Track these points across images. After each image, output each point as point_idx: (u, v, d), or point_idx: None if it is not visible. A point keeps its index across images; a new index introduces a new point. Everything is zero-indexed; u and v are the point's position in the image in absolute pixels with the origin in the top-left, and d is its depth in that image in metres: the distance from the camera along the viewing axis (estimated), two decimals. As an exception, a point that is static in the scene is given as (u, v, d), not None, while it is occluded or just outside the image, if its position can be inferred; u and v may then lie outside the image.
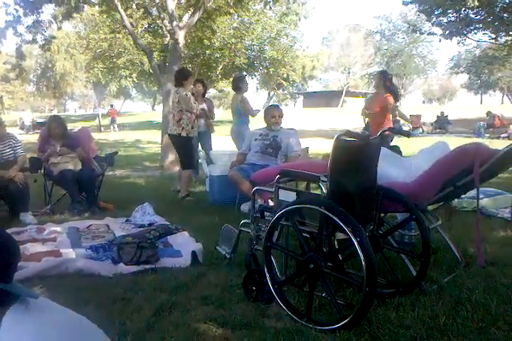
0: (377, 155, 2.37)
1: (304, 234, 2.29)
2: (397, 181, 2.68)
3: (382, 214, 2.64)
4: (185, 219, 4.26)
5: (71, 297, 2.47)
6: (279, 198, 2.48)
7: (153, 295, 2.50)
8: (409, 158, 3.16)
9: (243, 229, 2.77)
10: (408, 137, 3.43)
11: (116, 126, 26.30)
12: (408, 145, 4.65)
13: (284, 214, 2.27)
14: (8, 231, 3.82)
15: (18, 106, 49.52)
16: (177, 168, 8.45)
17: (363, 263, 1.90)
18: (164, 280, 2.72)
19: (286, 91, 44.43)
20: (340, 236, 2.56)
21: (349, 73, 51.78)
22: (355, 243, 1.93)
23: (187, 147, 5.54)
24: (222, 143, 8.38)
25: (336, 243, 2.60)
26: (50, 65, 39.77)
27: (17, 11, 8.68)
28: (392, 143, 4.86)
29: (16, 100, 49.44)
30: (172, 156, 8.64)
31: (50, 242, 3.61)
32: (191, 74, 5.95)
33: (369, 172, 2.35)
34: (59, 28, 10.34)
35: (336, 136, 2.21)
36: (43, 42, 9.91)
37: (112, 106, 30.92)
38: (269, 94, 45.41)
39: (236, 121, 6.41)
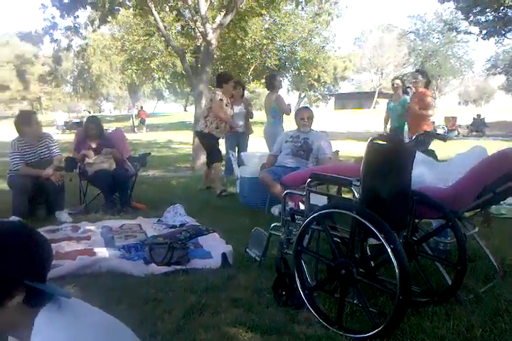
0: (411, 159, 2.32)
1: (335, 239, 2.26)
2: (432, 186, 2.60)
3: (416, 220, 2.57)
4: (215, 220, 4.28)
5: (104, 296, 2.52)
6: (311, 202, 2.46)
7: (184, 296, 2.52)
8: (445, 163, 3.08)
9: (273, 232, 2.75)
10: (444, 141, 3.34)
11: (145, 127, 26.80)
12: (443, 149, 4.53)
13: (315, 219, 2.24)
14: (44, 229, 3.97)
15: (55, 107, 51.09)
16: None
17: (397, 271, 1.85)
18: (195, 281, 2.73)
19: (317, 93, 44.19)
20: (372, 241, 2.51)
21: (382, 74, 51.08)
22: (389, 250, 1.89)
23: (211, 143, 5.86)
24: (255, 144, 8.38)
25: (367, 249, 2.55)
26: (86, 67, 40.86)
27: (53, 16, 8.94)
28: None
29: (53, 101, 51.02)
30: (203, 157, 8.69)
31: (84, 241, 3.69)
32: (233, 78, 6.10)
33: (403, 176, 2.30)
34: (94, 31, 10.58)
35: (368, 140, 2.17)
36: (78, 48, 10.19)
37: (141, 107, 31.53)
38: (300, 95, 45.27)
39: (270, 121, 6.40)
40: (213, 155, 5.91)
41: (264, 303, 2.42)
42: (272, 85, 6.31)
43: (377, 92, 45.84)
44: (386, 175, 2.20)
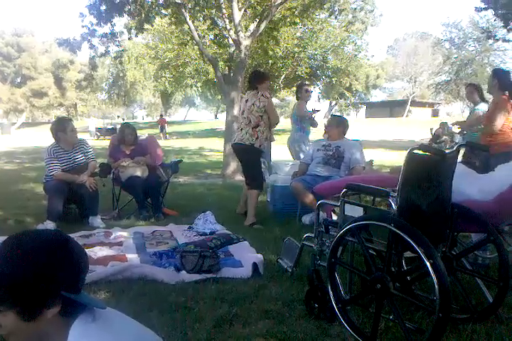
0: (452, 170, 2.24)
1: (371, 251, 2.20)
2: (473, 199, 2.51)
3: (455, 234, 2.48)
4: (245, 229, 4.27)
5: (135, 303, 2.53)
6: (345, 213, 2.40)
7: (215, 305, 2.50)
8: (487, 175, 2.97)
9: (306, 243, 2.71)
10: (487, 151, 3.22)
11: (163, 134, 27.48)
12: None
13: (350, 230, 2.19)
14: (78, 234, 4.04)
15: (90, 113, 52.44)
16: (238, 177, 8.55)
17: (436, 287, 1.78)
18: (225, 290, 2.71)
19: (348, 101, 43.84)
20: (408, 253, 2.43)
21: (415, 82, 50.32)
22: (428, 265, 1.81)
23: (257, 161, 4.82)
24: (281, 152, 8.33)
25: (404, 262, 2.47)
26: (121, 74, 41.86)
27: (92, 23, 9.19)
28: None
29: (88, 107, 52.41)
30: (234, 165, 8.74)
31: (117, 246, 3.74)
32: (268, 77, 5.17)
33: (443, 188, 2.22)
34: (129, 38, 10.83)
35: (409, 150, 2.11)
36: (115, 54, 10.44)
37: (161, 116, 32.84)
38: (330, 103, 45.01)
39: (293, 128, 6.42)
40: (258, 177, 4.80)
41: (296, 315, 2.37)
42: (297, 95, 6.43)
43: (409, 101, 45.12)
44: (425, 187, 2.13)
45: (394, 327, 2.14)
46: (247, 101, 4.75)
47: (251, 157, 4.75)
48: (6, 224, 4.51)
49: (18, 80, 49.35)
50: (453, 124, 5.86)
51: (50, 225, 4.23)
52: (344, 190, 2.39)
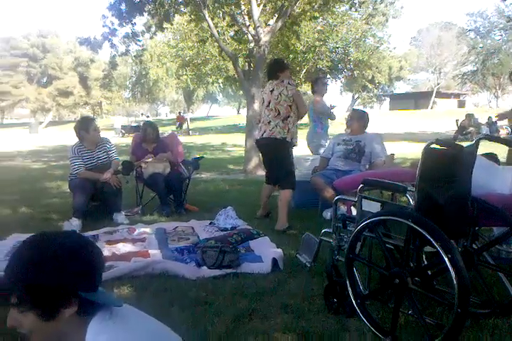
0: (471, 164, 2.20)
1: (389, 246, 2.19)
2: (494, 192, 2.46)
3: (476, 228, 2.44)
4: (266, 224, 4.29)
5: (157, 298, 2.59)
6: (363, 208, 2.39)
7: (234, 300, 2.53)
8: (508, 167, 2.91)
9: (324, 238, 2.71)
10: (510, 146, 3.15)
11: (186, 130, 28.36)
12: (506, 152, 4.27)
13: (368, 226, 2.18)
14: (102, 230, 4.13)
15: (115, 112, 53.26)
16: (260, 172, 8.57)
17: (455, 282, 1.76)
18: (245, 285, 2.74)
19: (371, 94, 43.30)
20: (429, 248, 2.41)
21: (440, 73, 49.33)
22: (446, 260, 1.80)
23: (290, 157, 4.41)
24: (301, 146, 8.29)
25: (424, 257, 2.45)
26: (144, 72, 42.29)
27: (113, 23, 9.30)
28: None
29: (113, 105, 53.18)
30: (255, 160, 8.76)
31: (140, 242, 3.81)
32: (289, 66, 4.81)
33: (462, 182, 2.19)
34: (151, 38, 10.94)
35: (425, 145, 2.09)
36: (135, 53, 10.55)
37: (179, 113, 34.67)
38: (353, 96, 44.55)
39: (311, 123, 6.35)
40: (292, 175, 4.38)
41: (315, 310, 2.38)
42: (313, 89, 6.22)
43: (434, 92, 44.25)
44: (443, 182, 2.10)
45: (414, 322, 2.13)
46: (272, 91, 4.34)
47: (283, 152, 4.35)
48: (33, 221, 4.65)
49: (44, 80, 50.53)
50: (497, 117, 5.40)
51: (75, 222, 4.33)
52: (361, 185, 2.38)
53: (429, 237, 1.88)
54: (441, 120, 25.48)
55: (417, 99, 43.86)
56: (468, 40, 43.64)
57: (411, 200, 2.13)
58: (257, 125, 4.69)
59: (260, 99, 4.49)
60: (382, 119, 24.75)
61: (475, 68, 43.16)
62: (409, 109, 37.10)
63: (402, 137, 17.59)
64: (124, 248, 3.62)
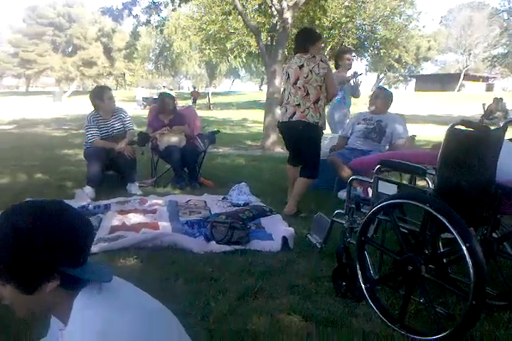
0: (498, 149, 2.07)
1: (403, 231, 2.09)
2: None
3: (498, 216, 2.31)
4: (279, 202, 4.20)
5: (163, 270, 2.56)
6: (379, 190, 2.28)
7: (240, 277, 2.48)
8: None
9: (336, 219, 2.62)
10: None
11: (195, 105, 27.81)
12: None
13: (382, 208, 2.08)
14: (115, 200, 4.11)
15: (138, 83, 53.20)
16: (277, 149, 8.46)
17: (472, 272, 1.66)
18: (253, 263, 2.69)
19: (397, 74, 42.21)
20: (447, 235, 2.30)
21: (469, 55, 47.68)
22: (464, 249, 1.69)
23: (320, 145, 3.99)
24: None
25: (440, 244, 2.35)
26: (167, 45, 41.93)
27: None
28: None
29: (136, 77, 53.08)
30: (274, 137, 8.65)
31: (151, 214, 3.78)
32: (321, 37, 4.20)
33: (487, 167, 2.06)
34: (173, 10, 10.71)
35: (450, 125, 1.96)
36: (156, 23, 10.38)
37: (194, 88, 35.91)
38: (378, 76, 43.52)
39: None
40: (317, 164, 3.96)
41: (322, 292, 2.32)
42: (336, 63, 5.64)
43: (462, 74, 42.85)
44: (467, 165, 1.98)
45: (424, 311, 2.05)
46: (301, 67, 3.78)
47: (315, 139, 3.90)
48: (48, 187, 4.67)
49: (69, 50, 50.50)
50: None
51: (88, 190, 4.33)
52: (378, 166, 2.26)
53: (447, 224, 1.77)
54: (468, 103, 24.75)
55: (444, 81, 42.55)
56: (501, 22, 41.83)
57: (430, 184, 2.01)
58: (279, 104, 4.22)
59: (284, 74, 4.03)
60: (406, 100, 24.13)
61: (506, 51, 41.52)
62: (436, 90, 36.09)
63: (426, 119, 17.17)
64: (134, 218, 3.59)
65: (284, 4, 8.32)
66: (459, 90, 40.15)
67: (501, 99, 17.75)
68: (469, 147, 1.96)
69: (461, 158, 1.95)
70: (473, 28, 45.32)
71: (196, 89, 34.47)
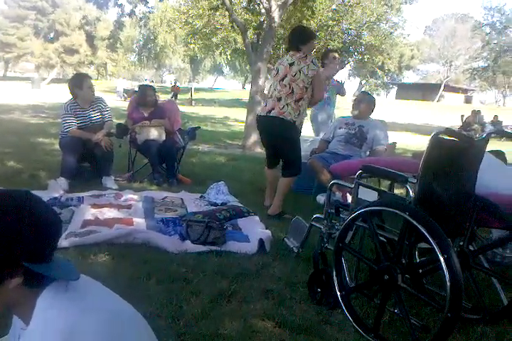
0: (479, 160, 2.07)
1: (381, 239, 2.07)
2: (500, 193, 2.34)
3: (475, 228, 2.32)
4: (257, 203, 4.16)
5: (134, 269, 2.48)
6: (359, 196, 2.26)
7: (214, 279, 2.43)
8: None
9: (314, 223, 2.59)
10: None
11: (176, 100, 27.49)
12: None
13: (362, 215, 2.06)
14: (89, 193, 4.01)
15: (120, 74, 52.38)
16: (258, 149, 8.41)
17: (448, 284, 1.65)
18: (227, 265, 2.64)
19: (379, 81, 42.66)
20: (422, 244, 2.30)
21: (451, 66, 48.62)
22: (442, 260, 1.68)
23: (299, 143, 3.93)
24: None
25: (417, 253, 2.34)
26: (152, 37, 41.39)
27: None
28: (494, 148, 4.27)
29: (118, 68, 52.25)
30: (255, 136, 8.59)
31: (125, 209, 3.69)
32: (315, 37, 4.14)
33: (467, 178, 2.06)
34: (161, 0, 10.55)
35: (433, 134, 1.94)
36: (142, 15, 10.20)
37: (175, 82, 35.54)
38: (360, 82, 43.90)
39: None
40: (299, 162, 3.94)
41: (297, 298, 2.28)
42: (322, 62, 5.50)
43: (443, 85, 43.67)
44: (448, 175, 1.97)
45: (399, 321, 2.03)
46: (291, 65, 3.75)
47: (292, 136, 3.86)
48: (20, 176, 4.52)
49: (51, 35, 49.37)
50: None
51: (62, 181, 4.20)
52: (359, 171, 2.24)
53: (425, 233, 1.76)
54: (446, 114, 25.22)
55: (425, 91, 43.30)
56: (483, 35, 42.74)
57: (411, 192, 2.00)
58: (263, 100, 4.18)
59: (274, 69, 3.99)
60: (386, 108, 24.44)
61: (486, 64, 42.44)
62: (417, 99, 36.65)
63: (405, 127, 17.41)
64: (108, 213, 3.51)
65: (273, 2, 8.28)
66: (438, 100, 40.92)
67: (479, 111, 18.17)
68: (452, 157, 1.95)
69: (443, 168, 1.95)
70: (456, 39, 46.27)
71: (177, 84, 34.05)
